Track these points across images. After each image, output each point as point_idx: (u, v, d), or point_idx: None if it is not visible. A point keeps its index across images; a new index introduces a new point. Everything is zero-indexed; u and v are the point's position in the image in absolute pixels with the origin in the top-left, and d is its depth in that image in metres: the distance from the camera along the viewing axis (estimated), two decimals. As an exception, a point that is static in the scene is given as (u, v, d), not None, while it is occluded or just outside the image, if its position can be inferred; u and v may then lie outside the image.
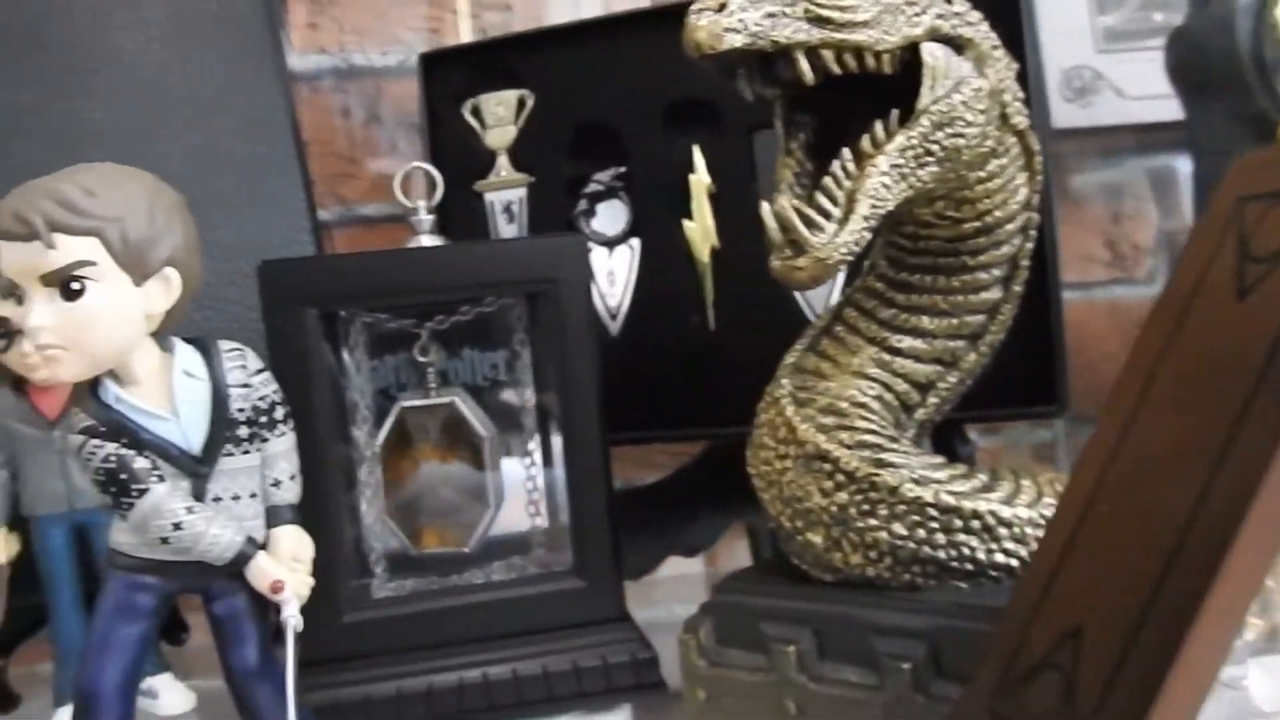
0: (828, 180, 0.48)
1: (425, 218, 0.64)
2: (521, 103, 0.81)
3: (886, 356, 0.56)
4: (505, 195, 0.82)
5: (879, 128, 0.48)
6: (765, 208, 0.49)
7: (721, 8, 0.46)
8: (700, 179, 0.77)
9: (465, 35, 0.91)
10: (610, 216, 0.80)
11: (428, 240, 0.63)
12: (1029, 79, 0.62)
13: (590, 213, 0.80)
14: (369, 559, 0.66)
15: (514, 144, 0.81)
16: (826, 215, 0.47)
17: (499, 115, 0.82)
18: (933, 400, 0.57)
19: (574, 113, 0.80)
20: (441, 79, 0.82)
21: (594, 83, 0.79)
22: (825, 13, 0.47)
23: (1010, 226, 0.56)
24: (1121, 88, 0.96)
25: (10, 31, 0.74)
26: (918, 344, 0.56)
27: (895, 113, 0.49)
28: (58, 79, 0.74)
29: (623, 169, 0.79)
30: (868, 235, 0.47)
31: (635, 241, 0.80)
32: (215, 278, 0.72)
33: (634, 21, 0.78)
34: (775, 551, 0.58)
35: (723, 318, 0.77)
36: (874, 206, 0.47)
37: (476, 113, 0.82)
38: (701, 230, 0.77)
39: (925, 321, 0.56)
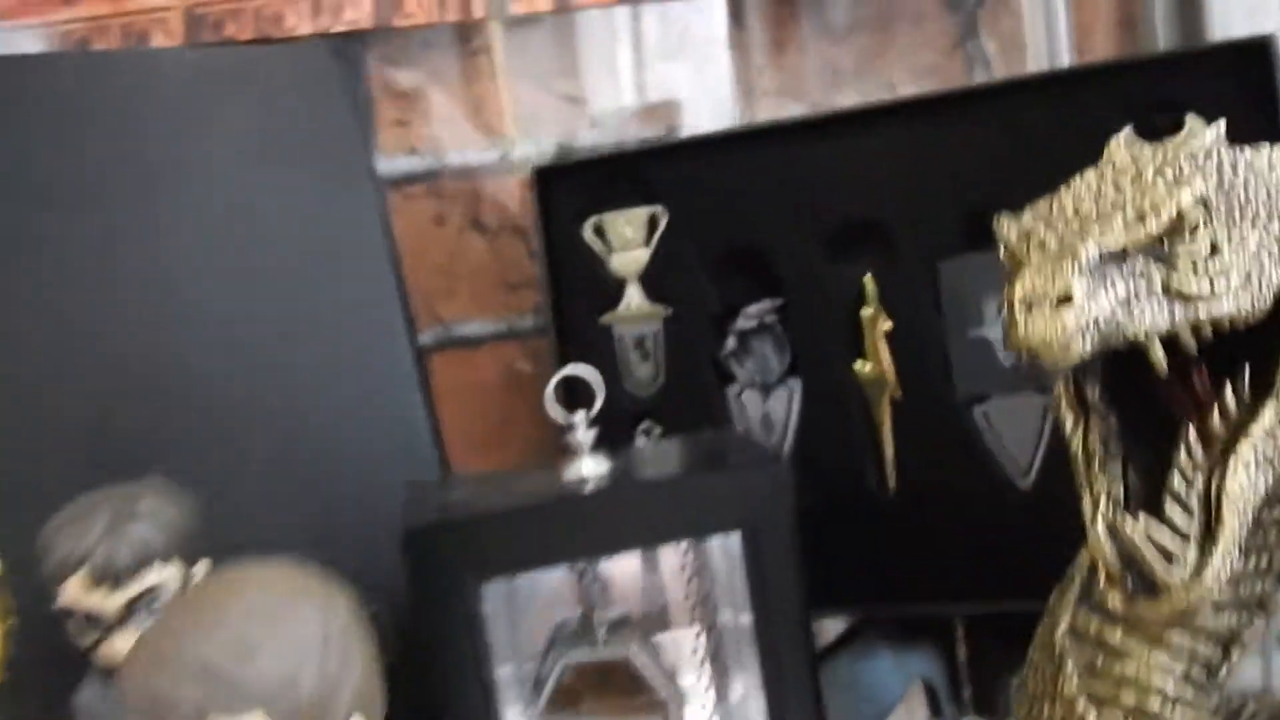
0: (1175, 482, 0.37)
1: (585, 435, 0.53)
2: (653, 222, 0.71)
3: (1185, 608, 0.46)
4: (638, 329, 0.72)
5: (1229, 397, 0.38)
6: (1097, 535, 0.39)
7: (1065, 299, 0.35)
8: (875, 314, 0.67)
9: (571, 128, 0.81)
10: (765, 355, 0.70)
11: (590, 465, 0.53)
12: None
13: (743, 352, 0.70)
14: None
15: (646, 269, 0.72)
16: (1180, 534, 0.37)
17: (627, 237, 0.72)
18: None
19: (718, 234, 0.70)
20: (559, 193, 0.73)
21: (741, 200, 0.69)
22: (1192, 286, 0.36)
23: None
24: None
25: (95, 153, 0.66)
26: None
27: (1247, 372, 0.39)
28: (143, 203, 0.66)
29: (779, 301, 0.69)
30: (1238, 562, 0.37)
31: (795, 383, 0.70)
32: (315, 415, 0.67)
33: (788, 131, 0.68)
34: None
35: (905, 478, 0.67)
36: (1242, 515, 0.37)
37: (600, 233, 0.72)
38: (877, 374, 0.67)
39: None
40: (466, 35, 0.79)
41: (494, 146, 0.81)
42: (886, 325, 0.67)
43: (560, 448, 0.55)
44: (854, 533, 0.68)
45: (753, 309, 0.70)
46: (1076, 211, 0.40)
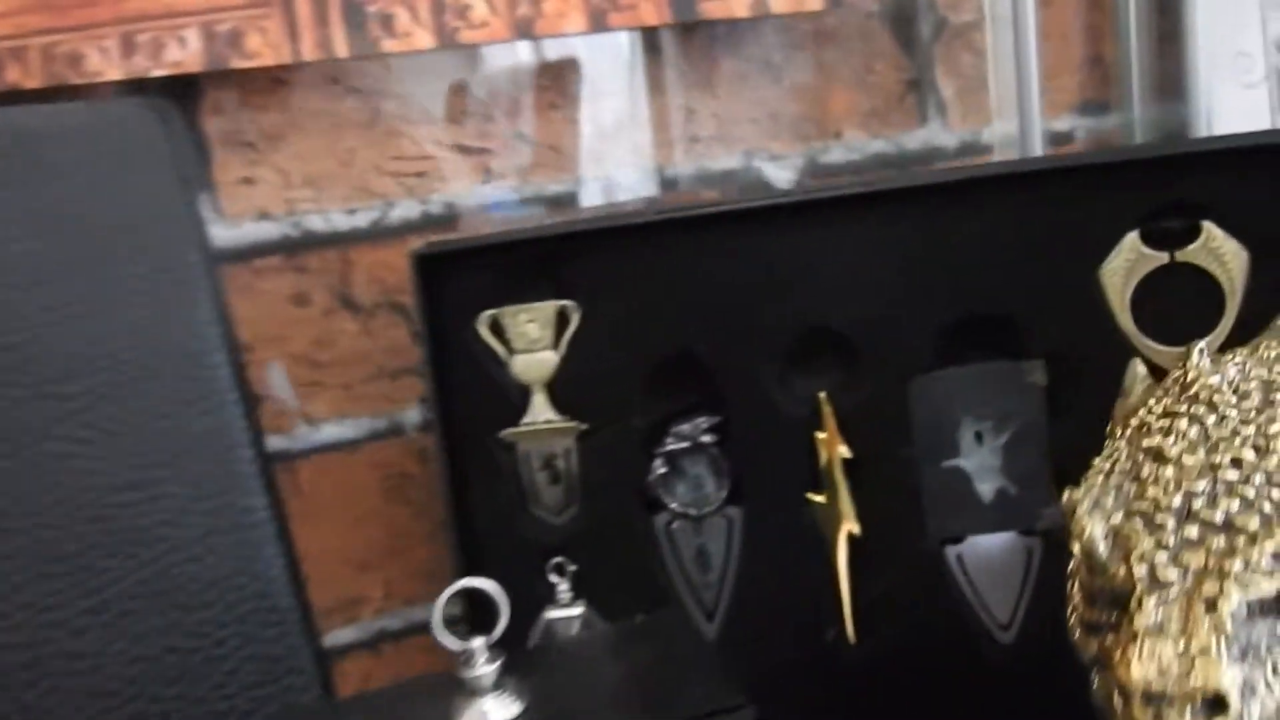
0: None
1: (486, 669, 0.41)
2: (563, 319, 0.60)
3: None
4: (546, 446, 0.60)
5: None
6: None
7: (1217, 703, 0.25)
8: (831, 438, 0.57)
9: (464, 178, 0.68)
10: (700, 480, 0.59)
11: (494, 711, 0.41)
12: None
13: (673, 476, 0.59)
14: None
15: (555, 375, 0.60)
16: None
17: (531, 336, 0.60)
18: None
19: (644, 336, 0.59)
20: (446, 282, 0.60)
21: (673, 297, 0.58)
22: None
23: None
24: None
25: None
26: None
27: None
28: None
29: (717, 418, 0.59)
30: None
31: (735, 513, 0.60)
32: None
33: (732, 218, 0.56)
34: None
35: (866, 630, 0.58)
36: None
37: (498, 330, 0.60)
38: (833, 508, 0.57)
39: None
40: (332, 76, 0.66)
41: (368, 207, 0.68)
42: (845, 452, 0.57)
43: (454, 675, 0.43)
44: (807, 693, 0.59)
45: (686, 427, 0.59)
46: (1189, 503, 0.30)
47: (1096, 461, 0.39)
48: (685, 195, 0.72)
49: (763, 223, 0.56)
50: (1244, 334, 0.53)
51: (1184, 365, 0.38)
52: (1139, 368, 0.41)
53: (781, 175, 0.74)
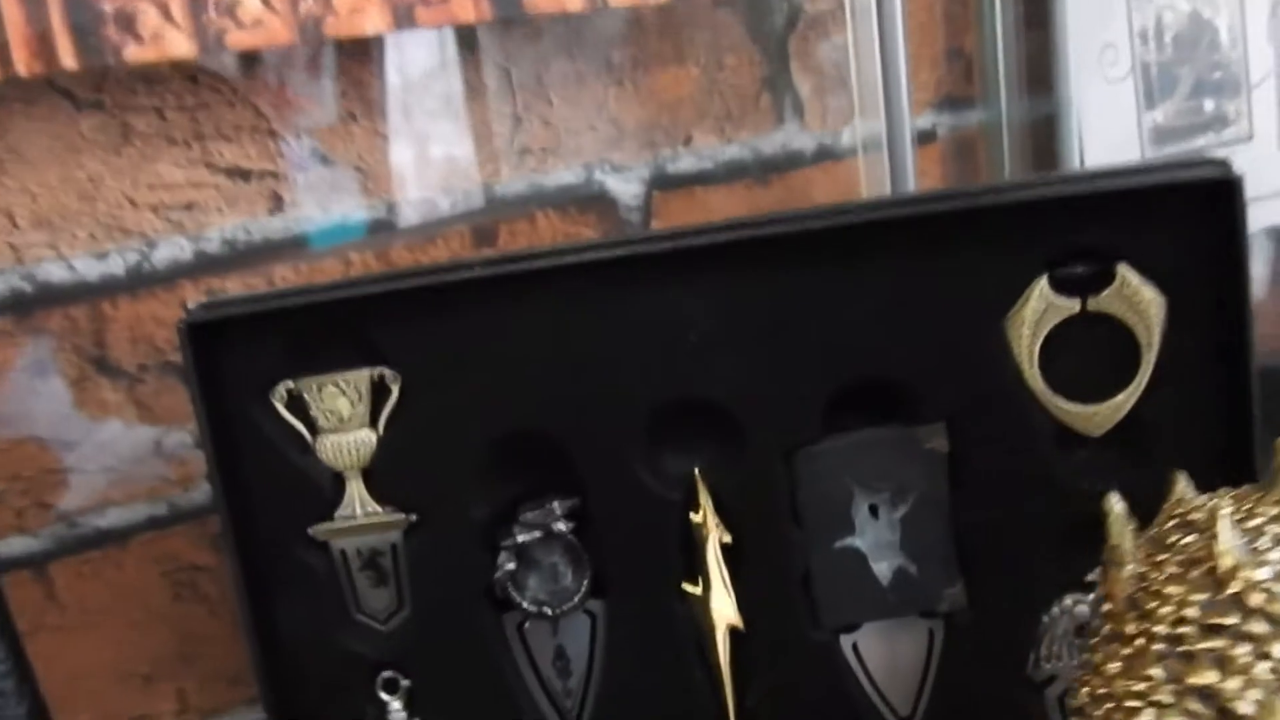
0: None
1: None
2: (380, 390, 0.49)
3: None
4: (367, 543, 0.51)
5: None
6: None
7: None
8: (707, 520, 0.49)
9: (246, 207, 0.56)
10: (556, 573, 0.50)
11: None
12: None
13: (523, 570, 0.50)
14: None
15: (373, 460, 0.50)
16: None
17: (341, 413, 0.49)
18: None
19: (480, 411, 0.49)
20: (227, 352, 0.49)
21: (515, 363, 0.48)
22: None
23: None
24: None
25: None
26: None
27: None
28: None
29: (572, 502, 0.50)
30: None
31: (597, 608, 0.51)
32: None
33: (583, 271, 0.47)
34: None
35: (754, 735, 0.51)
36: None
37: (298, 406, 0.49)
38: (714, 601, 0.49)
39: None
40: (63, 89, 0.52)
41: (122, 250, 0.56)
42: (724, 535, 0.49)
43: None
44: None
45: (535, 514, 0.50)
46: None
47: (1094, 657, 0.33)
48: (515, 220, 0.63)
49: (615, 275, 0.47)
50: (1160, 390, 0.49)
51: (1183, 508, 0.32)
52: (1116, 505, 0.35)
53: (627, 189, 0.65)
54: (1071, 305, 0.46)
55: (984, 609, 0.49)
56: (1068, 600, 0.49)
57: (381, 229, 0.60)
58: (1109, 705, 0.30)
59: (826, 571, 0.49)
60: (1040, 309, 0.46)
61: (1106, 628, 0.32)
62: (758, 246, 0.47)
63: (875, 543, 0.49)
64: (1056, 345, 0.47)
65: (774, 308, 0.48)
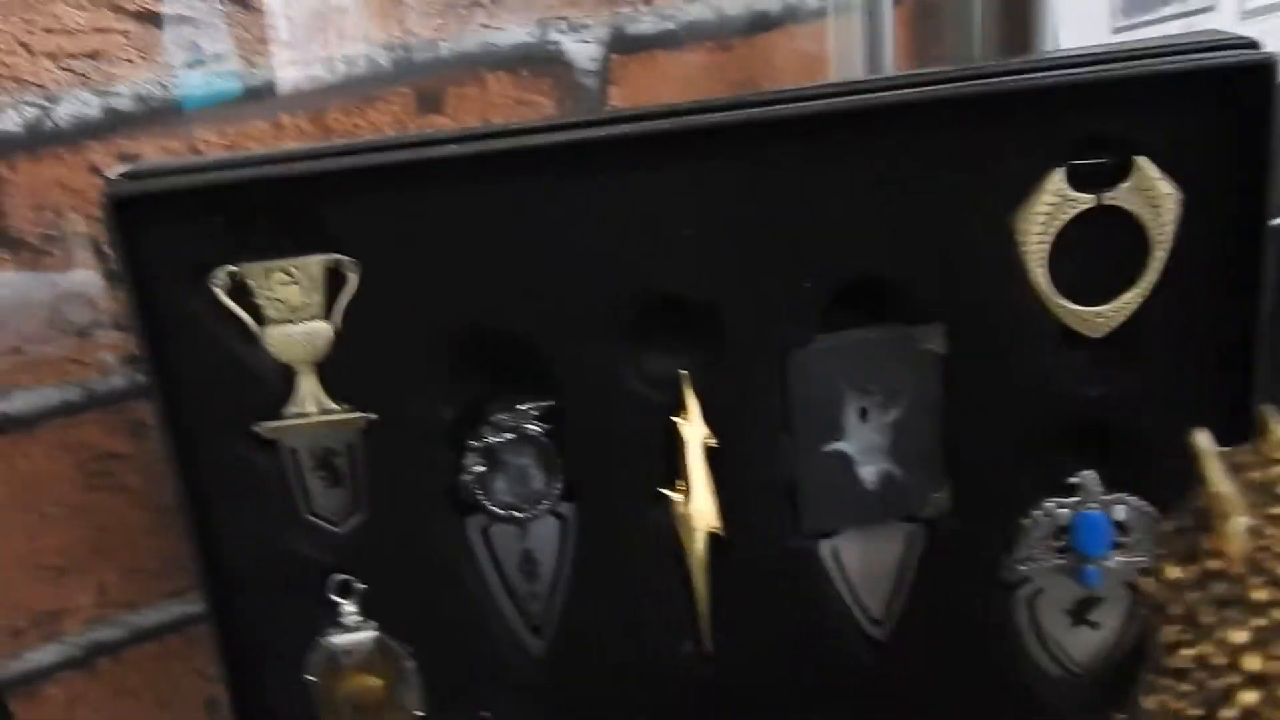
0: None
1: None
2: (335, 278, 0.44)
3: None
4: (317, 440, 0.46)
5: None
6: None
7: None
8: (694, 426, 0.46)
9: (161, 59, 0.48)
10: (526, 475, 0.47)
11: None
12: None
13: (493, 472, 0.47)
14: None
15: (329, 353, 0.45)
16: None
17: (291, 302, 0.44)
18: None
19: (448, 302, 0.45)
20: (157, 230, 0.43)
21: (485, 251, 0.44)
22: None
23: None
24: None
25: None
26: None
27: None
28: None
29: (546, 403, 0.46)
30: None
31: (568, 511, 0.48)
32: None
33: (561, 151, 0.42)
34: None
35: (726, 639, 0.49)
36: None
37: (241, 293, 0.44)
38: (695, 506, 0.47)
39: None
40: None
41: (18, 105, 0.48)
42: (709, 439, 0.47)
43: None
44: (658, 713, 0.50)
45: (506, 415, 0.47)
46: None
47: (1198, 617, 0.30)
48: (464, 83, 0.57)
49: (599, 158, 0.42)
50: (1167, 290, 0.47)
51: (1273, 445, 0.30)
52: (1207, 443, 0.32)
53: (584, 51, 0.60)
54: (1087, 200, 0.44)
55: (966, 513, 0.48)
56: (1049, 504, 0.49)
57: (314, 87, 0.54)
58: (1236, 679, 0.29)
59: (812, 476, 0.47)
60: (1054, 204, 0.44)
61: (1220, 588, 0.31)
62: (745, 130, 0.43)
63: (863, 447, 0.48)
64: (1064, 242, 0.45)
65: (763, 198, 0.44)
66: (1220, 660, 0.30)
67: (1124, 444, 0.47)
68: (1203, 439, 0.33)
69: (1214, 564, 0.31)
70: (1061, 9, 0.68)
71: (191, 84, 0.51)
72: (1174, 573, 0.33)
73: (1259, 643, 0.29)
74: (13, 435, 0.52)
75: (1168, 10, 0.74)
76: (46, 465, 0.54)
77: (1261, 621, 0.29)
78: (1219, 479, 0.32)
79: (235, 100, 0.52)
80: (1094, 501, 0.48)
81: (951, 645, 0.50)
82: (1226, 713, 0.29)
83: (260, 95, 0.53)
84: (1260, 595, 0.29)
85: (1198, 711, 0.30)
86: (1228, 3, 0.78)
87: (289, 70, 0.53)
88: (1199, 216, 0.44)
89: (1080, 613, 0.50)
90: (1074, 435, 0.47)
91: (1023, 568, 0.49)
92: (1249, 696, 0.28)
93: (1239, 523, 0.31)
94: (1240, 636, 0.29)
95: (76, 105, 0.49)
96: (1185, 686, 0.30)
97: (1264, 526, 0.30)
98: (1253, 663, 0.28)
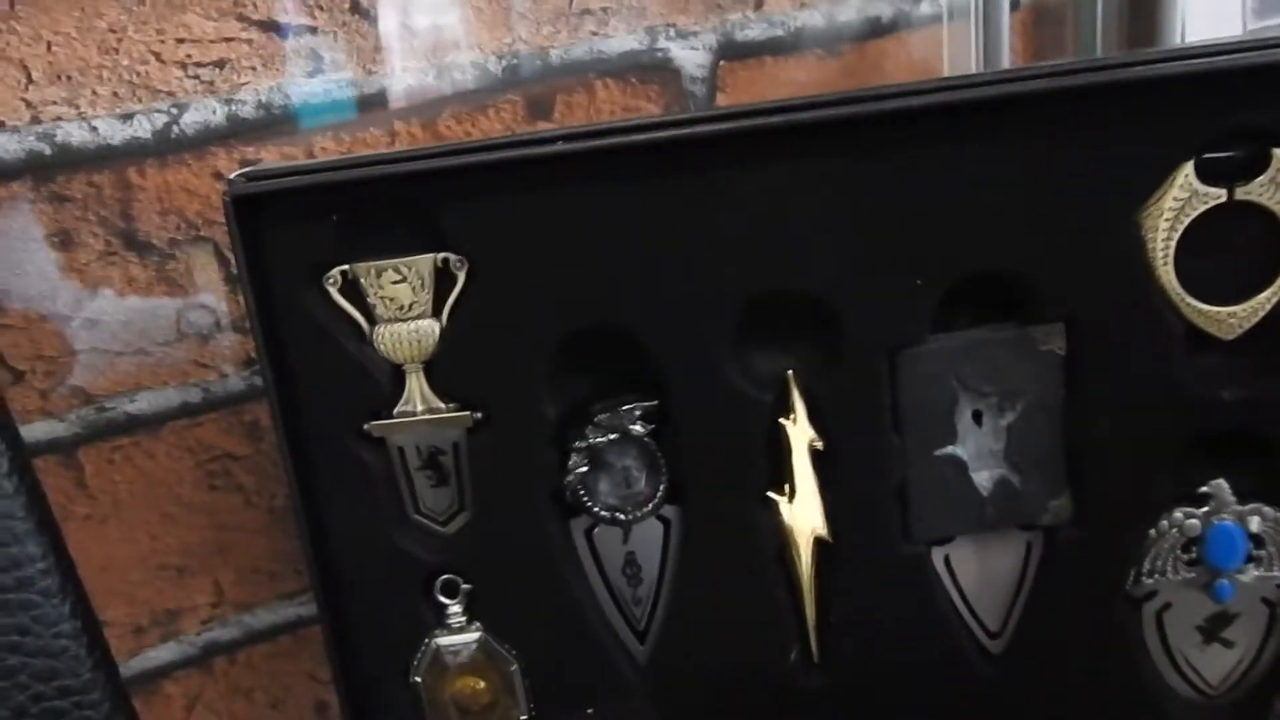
0: None
1: None
2: (445, 277, 0.45)
3: None
4: (427, 440, 0.47)
5: None
6: None
7: None
8: (800, 428, 0.45)
9: (283, 67, 0.50)
10: (630, 476, 0.47)
11: None
12: None
13: (596, 473, 0.47)
14: None
15: (435, 352, 0.46)
16: None
17: (400, 300, 0.45)
18: None
19: (554, 301, 0.45)
20: (277, 229, 0.44)
21: (593, 251, 0.44)
22: None
23: None
24: None
25: None
26: None
27: None
28: None
29: (650, 403, 0.46)
30: None
31: (672, 514, 0.48)
32: None
33: (669, 149, 0.42)
34: None
35: (835, 649, 0.48)
36: None
37: (354, 292, 0.45)
38: (801, 510, 0.46)
39: None
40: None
41: (148, 110, 0.50)
42: (816, 441, 0.46)
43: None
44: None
45: (609, 415, 0.46)
46: None
47: None
48: (572, 91, 0.58)
49: (706, 155, 0.42)
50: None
51: None
52: None
53: (692, 58, 0.60)
54: (1218, 194, 0.42)
55: (1089, 522, 0.46)
56: (1178, 514, 0.46)
57: (427, 96, 0.55)
58: None
59: (923, 481, 0.46)
60: (1183, 198, 0.42)
61: None
62: (862, 124, 0.42)
63: (977, 450, 0.46)
64: (1194, 238, 0.43)
65: (878, 193, 0.43)
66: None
67: (1258, 452, 0.45)
68: None
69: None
70: (1191, 10, 0.66)
71: (310, 92, 0.53)
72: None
73: None
74: (138, 435, 0.55)
75: (1303, 9, 0.70)
76: (168, 465, 0.55)
77: None
78: None
79: (351, 108, 0.54)
80: (1227, 512, 0.46)
81: (1072, 661, 0.48)
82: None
83: (375, 104, 0.54)
84: None
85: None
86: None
87: (403, 79, 0.54)
88: (1340, 211, 0.42)
89: (1212, 630, 0.47)
90: (1205, 442, 0.45)
91: (1149, 581, 0.47)
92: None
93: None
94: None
95: (203, 113, 0.51)
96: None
97: None
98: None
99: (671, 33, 0.59)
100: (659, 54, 0.59)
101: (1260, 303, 0.43)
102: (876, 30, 0.64)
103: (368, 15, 0.53)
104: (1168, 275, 0.43)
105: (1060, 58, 0.69)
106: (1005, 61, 0.61)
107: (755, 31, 0.61)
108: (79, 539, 0.53)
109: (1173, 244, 0.43)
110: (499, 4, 0.55)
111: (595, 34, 0.57)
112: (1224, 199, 0.42)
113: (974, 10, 0.60)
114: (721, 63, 0.61)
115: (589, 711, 0.47)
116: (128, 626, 0.56)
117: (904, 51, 0.66)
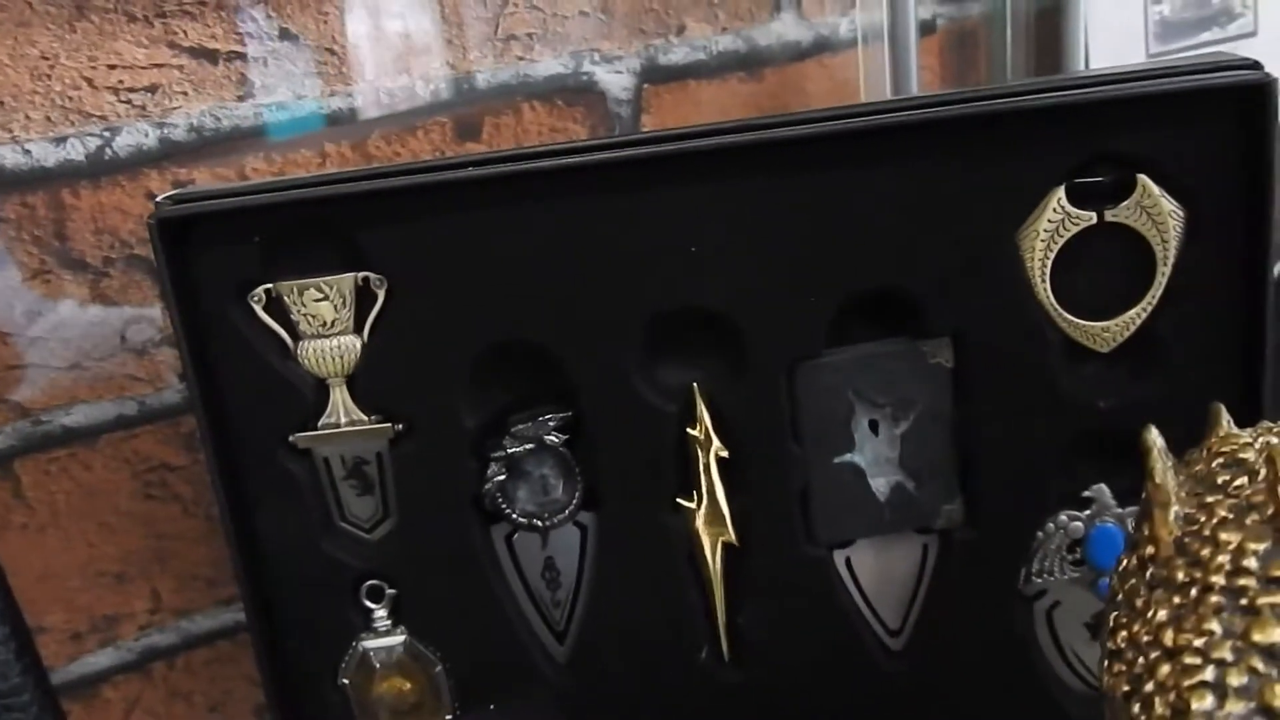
0: None
1: None
2: (365, 295, 0.47)
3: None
4: (352, 450, 0.49)
5: None
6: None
7: None
8: (706, 437, 0.48)
9: (214, 92, 0.52)
10: (546, 484, 0.49)
11: None
12: None
13: (512, 481, 0.49)
14: None
15: (359, 366, 0.48)
16: None
17: (323, 317, 0.47)
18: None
19: (470, 318, 0.47)
20: (202, 250, 0.46)
21: (506, 268, 0.46)
22: None
23: None
24: None
25: None
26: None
27: None
28: None
29: (565, 414, 0.48)
30: None
31: (588, 520, 0.50)
32: None
33: (581, 172, 0.44)
34: None
35: (742, 648, 0.50)
36: None
37: (278, 309, 0.47)
38: (708, 515, 0.49)
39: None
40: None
41: (81, 134, 0.52)
42: (721, 450, 0.49)
43: None
44: (676, 718, 0.52)
45: (525, 425, 0.49)
46: None
47: (1133, 600, 0.31)
48: (500, 113, 0.60)
49: (614, 178, 0.44)
50: (1172, 305, 0.47)
51: (1229, 445, 0.31)
52: (1156, 440, 0.33)
53: (617, 81, 0.62)
54: (1088, 217, 0.45)
55: (981, 525, 0.49)
56: (1063, 516, 0.49)
57: (357, 119, 0.57)
58: (1156, 654, 0.29)
59: (824, 487, 0.48)
60: (1056, 220, 0.45)
61: (1150, 572, 0.31)
62: (762, 150, 0.45)
63: (874, 459, 0.49)
64: (1069, 257, 0.46)
65: (778, 215, 0.46)
66: (1145, 638, 0.30)
67: (1136, 457, 0.48)
68: (1150, 436, 0.34)
69: (1149, 550, 0.32)
70: (1094, 38, 0.69)
71: (241, 115, 0.54)
72: (1122, 562, 0.34)
73: (1176, 619, 0.29)
74: (74, 447, 0.56)
75: (1206, 36, 0.74)
76: (106, 475, 0.57)
77: (1180, 599, 0.30)
78: (1159, 471, 0.33)
79: (282, 130, 0.56)
80: (1108, 514, 0.48)
81: (970, 656, 0.50)
82: (1147, 687, 0.29)
83: (305, 126, 0.56)
84: (1181, 575, 0.30)
85: (1126, 688, 0.30)
86: (1268, 28, 0.77)
87: (333, 102, 0.56)
88: (1201, 232, 0.45)
89: (1099, 626, 0.50)
90: (1086, 448, 0.48)
91: (1039, 580, 0.50)
92: (1164, 669, 0.28)
93: (1172, 511, 0.32)
94: (1162, 614, 0.30)
95: (135, 136, 0.53)
96: (1119, 666, 0.31)
97: (1197, 514, 0.31)
98: (1168, 637, 0.29)
99: (596, 57, 0.61)
100: (584, 77, 0.61)
101: (1131, 318, 0.46)
102: (796, 54, 0.67)
103: (297, 41, 0.55)
104: (1045, 292, 0.46)
105: (973, 81, 0.72)
106: (915, 85, 0.64)
107: (678, 55, 0.64)
108: (17, 548, 0.55)
109: (1048, 262, 0.46)
110: (427, 30, 0.58)
111: (522, 59, 0.60)
112: (1094, 221, 0.45)
113: (885, 35, 0.63)
114: (645, 85, 0.63)
115: (490, 707, 0.49)
116: (66, 633, 0.58)
117: (824, 74, 0.69)
